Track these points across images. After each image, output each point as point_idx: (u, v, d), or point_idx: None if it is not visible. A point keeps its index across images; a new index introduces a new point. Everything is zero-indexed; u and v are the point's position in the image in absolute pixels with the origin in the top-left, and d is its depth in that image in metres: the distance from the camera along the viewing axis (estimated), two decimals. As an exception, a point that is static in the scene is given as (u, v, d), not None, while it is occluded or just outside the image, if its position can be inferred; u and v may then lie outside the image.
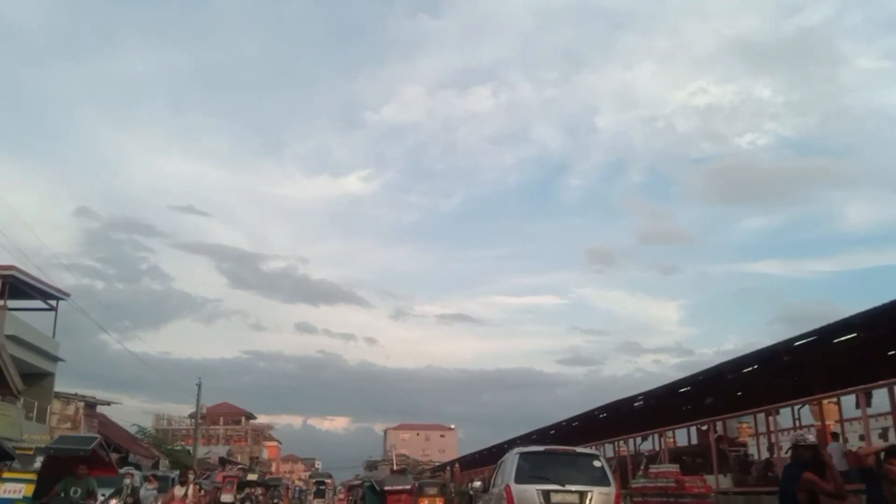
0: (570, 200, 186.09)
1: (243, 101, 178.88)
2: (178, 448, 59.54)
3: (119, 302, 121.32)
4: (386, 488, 25.46)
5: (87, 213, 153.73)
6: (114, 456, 38.99)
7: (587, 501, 11.76)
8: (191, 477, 24.81)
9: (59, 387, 36.49)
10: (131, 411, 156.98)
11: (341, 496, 46.86)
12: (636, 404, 29.06)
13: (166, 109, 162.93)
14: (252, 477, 34.68)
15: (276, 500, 32.78)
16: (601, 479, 12.11)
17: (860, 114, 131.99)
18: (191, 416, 71.16)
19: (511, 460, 12.48)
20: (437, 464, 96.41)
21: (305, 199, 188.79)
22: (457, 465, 55.71)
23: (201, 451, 59.65)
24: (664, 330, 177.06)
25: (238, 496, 25.59)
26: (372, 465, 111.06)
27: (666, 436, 25.07)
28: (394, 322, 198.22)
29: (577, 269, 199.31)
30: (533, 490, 11.87)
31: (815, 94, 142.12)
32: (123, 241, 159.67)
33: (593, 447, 32.27)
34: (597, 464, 12.40)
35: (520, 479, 12.07)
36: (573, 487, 11.88)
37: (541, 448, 13.19)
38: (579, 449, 13.59)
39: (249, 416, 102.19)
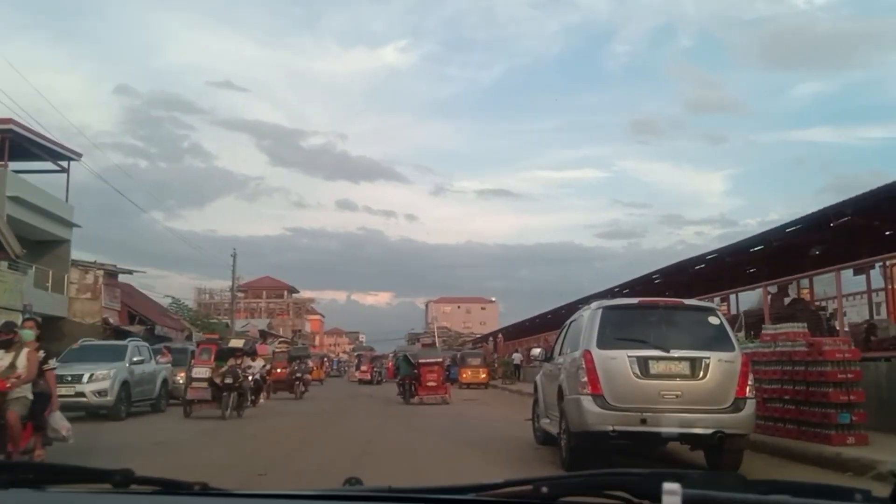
0: (615, 69, 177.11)
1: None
2: (215, 321, 57.92)
3: (163, 180, 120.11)
4: (420, 361, 25.53)
5: (126, 90, 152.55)
6: (138, 328, 37.25)
7: (701, 372, 8.24)
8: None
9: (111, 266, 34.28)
10: (179, 287, 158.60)
11: (364, 368, 44.65)
12: (697, 267, 26.48)
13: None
14: (282, 349, 32.44)
15: (299, 375, 29.30)
16: (721, 341, 8.51)
17: None
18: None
19: (591, 318, 8.91)
20: (478, 335, 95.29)
21: (343, 74, 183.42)
22: (500, 335, 53.33)
23: (239, 324, 58.11)
24: (708, 202, 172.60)
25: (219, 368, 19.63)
26: (413, 338, 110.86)
27: (729, 300, 22.03)
28: (433, 198, 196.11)
29: (621, 141, 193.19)
30: (624, 357, 8.36)
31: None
32: (164, 119, 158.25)
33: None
34: (713, 320, 8.74)
35: (604, 342, 8.54)
36: (681, 353, 8.33)
37: (632, 301, 9.53)
38: (688, 301, 9.89)
39: (292, 290, 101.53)
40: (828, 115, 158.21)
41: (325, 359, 69.77)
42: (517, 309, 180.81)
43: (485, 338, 65.33)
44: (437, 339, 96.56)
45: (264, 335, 68.37)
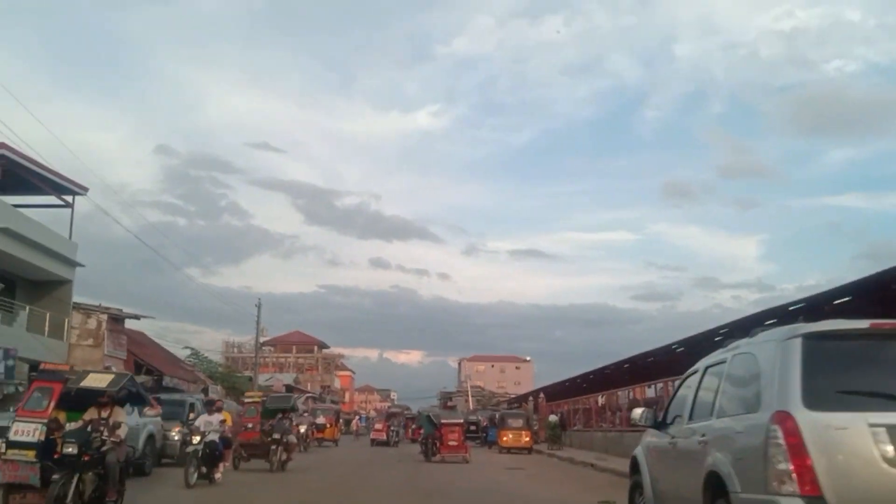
0: (645, 134, 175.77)
1: (315, 37, 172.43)
2: (239, 375, 54.21)
3: (201, 237, 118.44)
4: (443, 421, 26.82)
5: (166, 150, 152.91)
6: (143, 378, 33.64)
7: None
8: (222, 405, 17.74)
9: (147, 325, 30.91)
10: (211, 342, 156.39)
11: (379, 426, 39.07)
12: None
13: (241, 47, 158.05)
14: (254, 397, 23.51)
15: (278, 437, 19.06)
16: None
17: None
18: (262, 344, 66.20)
19: (781, 354, 4.93)
20: (513, 395, 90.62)
21: (377, 135, 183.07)
22: (542, 394, 48.65)
23: (263, 378, 54.24)
24: (742, 266, 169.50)
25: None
26: (446, 397, 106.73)
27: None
28: (466, 258, 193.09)
29: (653, 205, 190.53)
30: (863, 426, 4.38)
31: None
32: (202, 178, 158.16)
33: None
34: None
35: (817, 397, 4.58)
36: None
37: (860, 324, 5.30)
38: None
39: (322, 346, 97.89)
40: (860, 181, 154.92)
41: (357, 416, 65.45)
42: (552, 370, 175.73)
43: (524, 397, 60.52)
44: (470, 398, 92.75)
45: (290, 389, 64.54)
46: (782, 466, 4.51)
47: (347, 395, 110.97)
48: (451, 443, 25.41)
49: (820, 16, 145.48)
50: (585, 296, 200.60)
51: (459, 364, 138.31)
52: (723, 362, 6.11)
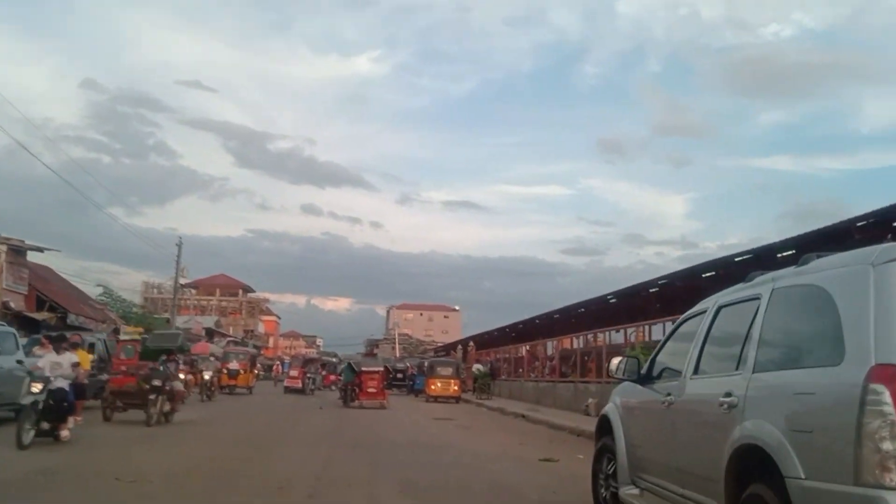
0: (584, 89, 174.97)
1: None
2: (157, 317, 51.39)
3: (126, 177, 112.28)
4: (363, 369, 27.32)
5: (93, 85, 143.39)
6: (46, 315, 30.91)
7: None
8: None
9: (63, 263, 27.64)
10: (134, 284, 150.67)
11: (294, 373, 36.55)
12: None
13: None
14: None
15: (158, 385, 15.58)
16: None
17: (893, 6, 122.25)
18: (183, 286, 63.02)
19: (878, 284, 3.37)
20: (440, 344, 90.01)
21: (314, 80, 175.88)
22: (471, 343, 47.68)
23: (181, 320, 51.51)
24: (670, 224, 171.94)
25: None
26: (373, 344, 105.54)
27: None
28: (400, 207, 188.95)
29: (588, 160, 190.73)
30: None
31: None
32: (130, 115, 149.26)
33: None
34: None
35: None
36: None
37: None
38: None
39: (248, 290, 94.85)
40: (788, 143, 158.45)
41: (279, 362, 63.32)
42: (481, 320, 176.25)
43: (452, 346, 59.56)
44: (397, 346, 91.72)
45: (211, 333, 61.95)
46: (889, 446, 2.98)
47: (272, 341, 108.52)
48: (370, 389, 26.02)
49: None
50: (516, 248, 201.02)
51: (388, 312, 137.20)
52: (754, 299, 4.54)
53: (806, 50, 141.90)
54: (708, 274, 23.78)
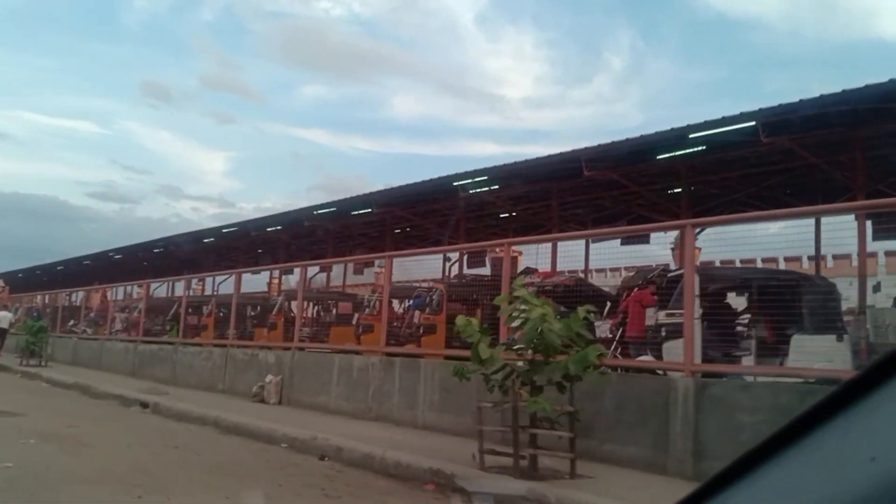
0: (132, 24, 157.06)
1: None
2: None
3: None
4: None
5: None
6: None
7: None
8: None
9: None
10: None
11: None
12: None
13: None
14: None
15: None
16: None
17: (428, 8, 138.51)
18: None
19: None
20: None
21: None
22: (2, 281, 33.54)
23: None
24: (209, 180, 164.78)
25: None
26: None
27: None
28: None
29: (128, 101, 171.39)
30: None
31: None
32: None
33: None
34: None
35: None
36: None
37: None
38: None
39: None
40: (327, 119, 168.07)
41: None
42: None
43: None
44: None
45: None
46: None
47: None
48: None
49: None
50: (35, 185, 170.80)
51: None
52: None
53: (354, 34, 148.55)
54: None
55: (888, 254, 24.30)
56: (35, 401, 12.49)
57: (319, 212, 22.57)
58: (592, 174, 15.89)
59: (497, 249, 13.53)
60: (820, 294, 10.09)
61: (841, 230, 10.42)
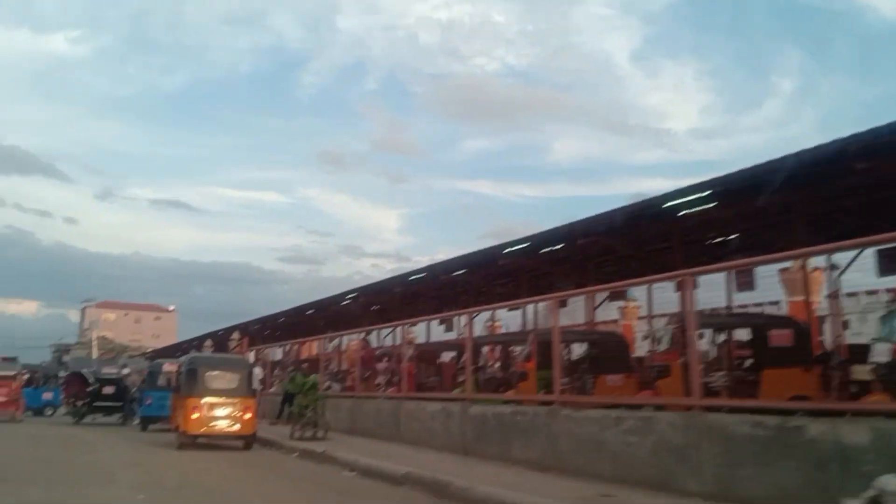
0: (304, 98, 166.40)
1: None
2: None
3: None
4: None
5: None
6: None
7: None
8: None
9: None
10: None
11: None
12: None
13: None
14: None
15: None
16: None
17: (582, 52, 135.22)
18: None
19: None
20: (149, 350, 69.02)
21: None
22: (237, 334, 29.70)
23: None
24: (384, 237, 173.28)
25: None
26: (63, 349, 79.71)
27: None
28: (100, 202, 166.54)
29: (306, 169, 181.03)
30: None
31: (548, 27, 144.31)
32: None
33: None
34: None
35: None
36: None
37: None
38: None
39: None
40: (490, 170, 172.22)
41: None
42: (195, 327, 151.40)
43: (203, 337, 40.26)
44: (94, 350, 69.06)
45: None
46: None
47: None
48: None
49: (471, 13, 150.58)
50: (230, 254, 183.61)
51: (82, 311, 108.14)
52: None
53: (509, 84, 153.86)
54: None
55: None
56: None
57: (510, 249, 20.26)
58: None
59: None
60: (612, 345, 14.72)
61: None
